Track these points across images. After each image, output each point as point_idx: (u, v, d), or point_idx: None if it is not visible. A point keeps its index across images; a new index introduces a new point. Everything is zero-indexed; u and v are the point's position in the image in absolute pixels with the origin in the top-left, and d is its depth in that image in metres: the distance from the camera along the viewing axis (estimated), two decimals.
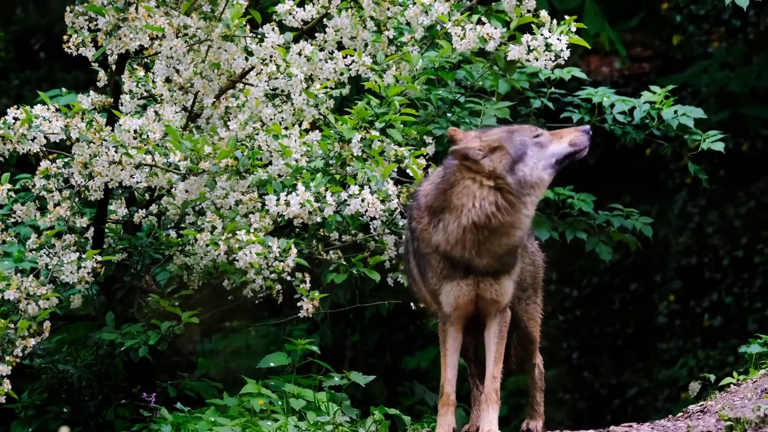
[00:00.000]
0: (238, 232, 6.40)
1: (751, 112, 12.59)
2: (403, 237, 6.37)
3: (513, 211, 5.77)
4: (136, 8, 6.44)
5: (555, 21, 6.87)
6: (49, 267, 6.48)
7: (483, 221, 5.76)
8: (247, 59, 6.68)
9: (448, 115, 7.71)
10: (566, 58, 6.83)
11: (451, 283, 5.89)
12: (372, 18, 6.98)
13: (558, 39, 6.79)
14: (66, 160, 6.64)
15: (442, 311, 5.99)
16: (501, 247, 5.83)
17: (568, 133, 5.90)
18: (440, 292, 5.94)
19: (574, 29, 6.87)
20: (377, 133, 6.69)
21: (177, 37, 6.50)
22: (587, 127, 5.92)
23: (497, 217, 5.76)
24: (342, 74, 6.86)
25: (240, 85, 6.94)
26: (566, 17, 6.88)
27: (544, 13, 6.88)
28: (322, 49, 6.94)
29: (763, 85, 12.32)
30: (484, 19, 6.93)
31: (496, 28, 6.84)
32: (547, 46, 6.81)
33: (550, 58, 6.83)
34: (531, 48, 6.83)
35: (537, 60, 6.83)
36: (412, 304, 6.98)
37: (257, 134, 6.63)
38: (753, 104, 12.54)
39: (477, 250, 5.82)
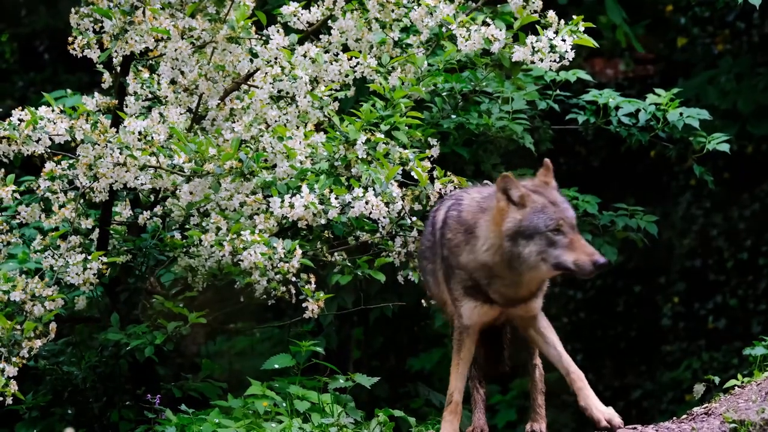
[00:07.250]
0: (242, 232, 6.39)
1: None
2: (425, 231, 6.22)
3: (509, 272, 5.69)
4: (143, 12, 6.44)
5: (563, 21, 6.87)
6: (54, 268, 6.48)
7: (489, 263, 5.74)
8: (251, 61, 6.68)
9: (453, 116, 7.71)
10: (570, 59, 6.82)
11: (475, 302, 5.83)
12: (377, 20, 6.98)
13: (563, 40, 6.79)
14: (71, 161, 6.63)
15: (461, 322, 5.88)
16: (512, 288, 5.76)
17: (581, 252, 5.56)
18: (462, 305, 5.86)
19: (582, 28, 6.87)
20: (382, 136, 6.69)
21: (182, 38, 6.50)
22: (604, 260, 5.55)
23: (496, 268, 5.71)
24: (347, 76, 6.86)
25: (245, 87, 6.95)
26: (574, 17, 6.88)
27: (551, 14, 6.88)
28: (327, 51, 6.94)
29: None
30: (488, 20, 6.93)
31: (501, 30, 6.83)
32: (552, 47, 6.80)
33: (555, 60, 6.82)
34: (536, 49, 6.82)
35: (542, 61, 6.83)
36: (423, 301, 6.93)
37: (262, 136, 6.63)
38: (760, 121, 12.47)
39: (489, 283, 5.77)
